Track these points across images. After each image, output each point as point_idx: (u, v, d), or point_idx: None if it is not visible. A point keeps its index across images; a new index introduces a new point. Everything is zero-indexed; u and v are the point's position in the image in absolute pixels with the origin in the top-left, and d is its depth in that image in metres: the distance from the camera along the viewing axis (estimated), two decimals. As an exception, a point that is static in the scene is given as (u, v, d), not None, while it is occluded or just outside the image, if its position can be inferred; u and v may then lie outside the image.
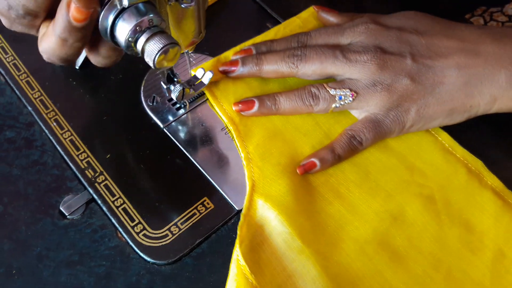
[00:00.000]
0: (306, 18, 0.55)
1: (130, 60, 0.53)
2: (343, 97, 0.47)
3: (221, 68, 0.50)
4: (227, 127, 0.50)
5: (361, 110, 0.48)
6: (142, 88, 0.53)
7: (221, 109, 0.50)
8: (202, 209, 0.46)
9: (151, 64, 0.34)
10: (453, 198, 0.46)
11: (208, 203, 0.46)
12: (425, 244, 0.44)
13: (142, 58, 0.37)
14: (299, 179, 0.46)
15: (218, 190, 0.47)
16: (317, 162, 0.46)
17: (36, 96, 0.51)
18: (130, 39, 0.34)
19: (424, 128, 0.48)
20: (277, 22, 0.58)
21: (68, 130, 0.49)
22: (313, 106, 0.48)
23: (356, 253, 0.43)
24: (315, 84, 0.48)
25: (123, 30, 0.34)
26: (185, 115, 0.51)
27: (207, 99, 0.51)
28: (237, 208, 0.46)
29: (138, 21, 0.33)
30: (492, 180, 0.47)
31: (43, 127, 0.49)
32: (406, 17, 0.50)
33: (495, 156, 0.49)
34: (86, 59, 0.52)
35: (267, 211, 0.44)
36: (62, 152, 0.48)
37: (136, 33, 0.34)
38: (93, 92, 0.52)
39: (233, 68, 0.49)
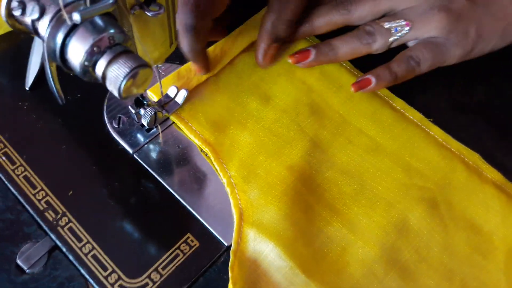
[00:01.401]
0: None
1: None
2: (398, 28, 0.45)
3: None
4: (202, 150, 0.44)
5: (420, 38, 0.46)
6: (104, 108, 0.46)
7: (192, 132, 0.44)
8: (185, 249, 0.40)
9: (115, 93, 0.27)
10: (454, 198, 0.43)
11: (192, 241, 0.40)
12: (433, 254, 0.41)
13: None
14: (291, 199, 0.41)
15: (203, 224, 0.41)
16: (373, 79, 0.45)
17: (-21, 126, 0.44)
18: (86, 63, 0.27)
19: (482, 52, 0.47)
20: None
21: (21, 165, 0.42)
22: (370, 44, 0.45)
23: (366, 277, 0.39)
24: (368, 23, 0.46)
25: (77, 53, 0.27)
26: (157, 136, 0.45)
27: (173, 122, 0.45)
28: (226, 244, 0.40)
29: (96, 40, 0.26)
30: (492, 173, 0.45)
31: (-10, 163, 0.42)
32: None
33: (490, 152, 0.46)
34: (37, 78, 0.45)
35: (260, 244, 0.39)
36: (15, 192, 0.41)
37: (93, 55, 0.27)
38: (47, 116, 0.45)
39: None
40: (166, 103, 0.45)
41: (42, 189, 0.41)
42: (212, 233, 0.40)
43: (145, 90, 0.43)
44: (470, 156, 0.45)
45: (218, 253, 0.40)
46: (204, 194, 0.42)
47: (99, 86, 0.46)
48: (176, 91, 0.45)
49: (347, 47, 0.46)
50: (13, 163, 0.42)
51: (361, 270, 0.39)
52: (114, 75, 0.27)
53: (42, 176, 0.42)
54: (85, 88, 0.46)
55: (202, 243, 0.40)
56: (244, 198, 0.41)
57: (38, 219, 0.40)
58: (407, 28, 0.45)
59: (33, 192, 0.41)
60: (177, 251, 0.40)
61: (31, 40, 0.47)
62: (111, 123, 0.45)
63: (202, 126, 0.44)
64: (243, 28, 0.49)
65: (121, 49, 0.27)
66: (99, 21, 0.27)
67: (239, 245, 0.39)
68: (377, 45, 0.46)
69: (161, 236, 0.40)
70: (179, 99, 0.45)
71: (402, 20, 0.45)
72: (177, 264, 0.39)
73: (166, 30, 0.35)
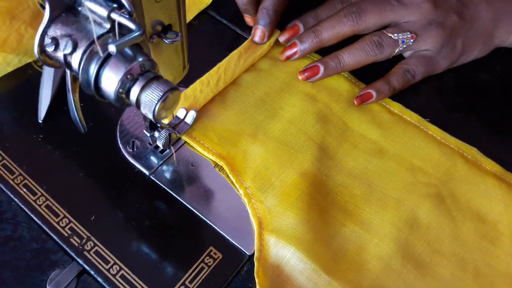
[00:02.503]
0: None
1: (100, 104, 0.47)
2: (405, 40, 0.49)
3: (282, 57, 0.52)
4: (217, 165, 0.46)
5: (417, 50, 0.50)
6: (117, 134, 0.47)
7: (205, 149, 0.46)
8: (210, 261, 0.41)
9: (150, 116, 0.29)
10: (458, 192, 0.45)
11: (215, 253, 0.42)
12: (445, 245, 0.43)
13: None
14: (307, 204, 0.43)
15: (224, 236, 0.42)
16: (374, 93, 0.48)
17: (-3, 161, 0.45)
18: (120, 90, 0.29)
19: (463, 62, 0.53)
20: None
21: (42, 195, 0.43)
22: (378, 54, 0.49)
23: (385, 272, 0.41)
24: (375, 33, 0.49)
25: (111, 81, 0.28)
26: (171, 157, 0.46)
27: (185, 142, 0.47)
28: (247, 253, 0.42)
29: (128, 69, 0.28)
30: (491, 165, 0.47)
31: (12, 196, 0.43)
32: None
33: (485, 146, 0.49)
34: (49, 110, 0.47)
35: (281, 249, 0.41)
36: (39, 222, 0.42)
37: (127, 82, 0.29)
38: (63, 146, 0.46)
39: (294, 50, 0.51)
40: (176, 124, 0.46)
41: (65, 216, 0.42)
42: (234, 244, 0.42)
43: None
44: (468, 151, 0.48)
45: (241, 263, 0.41)
46: (221, 207, 0.44)
47: (110, 113, 0.48)
48: (185, 112, 0.47)
49: (354, 59, 0.49)
50: (34, 194, 0.43)
51: (380, 265, 0.41)
52: (149, 99, 0.29)
53: (64, 204, 0.43)
54: (96, 116, 0.48)
55: (225, 254, 0.42)
56: (261, 208, 0.43)
57: (64, 246, 0.41)
58: (412, 40, 0.49)
59: (56, 220, 0.42)
60: (202, 264, 0.41)
61: (38, 75, 0.48)
62: (125, 148, 0.46)
63: (214, 142, 0.46)
64: (241, 50, 0.51)
65: (152, 75, 0.29)
66: (128, 50, 0.29)
67: (261, 253, 0.41)
68: (383, 56, 0.49)
69: (184, 251, 0.42)
70: (189, 119, 0.47)
71: (408, 32, 0.49)
72: (203, 277, 0.40)
73: (180, 55, 0.37)
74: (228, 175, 0.45)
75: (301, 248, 0.41)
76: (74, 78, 0.33)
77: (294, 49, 0.51)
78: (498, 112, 0.52)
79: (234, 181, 0.44)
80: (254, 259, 0.40)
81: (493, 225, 0.44)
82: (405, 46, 0.49)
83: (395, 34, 0.49)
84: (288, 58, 0.51)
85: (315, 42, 0.50)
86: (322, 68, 0.49)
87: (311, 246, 0.41)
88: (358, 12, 0.49)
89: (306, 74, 0.50)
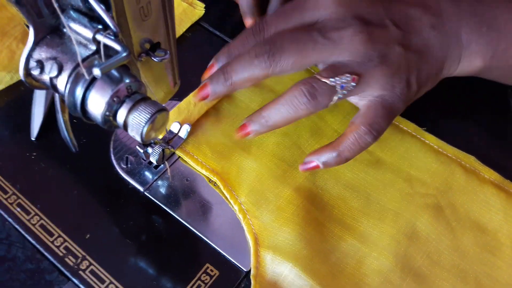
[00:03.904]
0: None
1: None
2: (345, 85, 0.38)
3: (195, 99, 0.41)
4: (211, 181, 0.45)
5: (363, 95, 0.40)
6: (111, 150, 0.47)
7: (198, 164, 0.46)
8: (206, 279, 0.41)
9: (138, 138, 0.29)
10: (457, 201, 0.45)
11: (212, 270, 0.41)
12: (445, 257, 0.42)
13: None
14: (303, 219, 0.43)
15: (220, 253, 0.42)
16: (321, 166, 0.40)
17: (-10, 180, 0.44)
18: (107, 113, 0.28)
19: (418, 97, 0.44)
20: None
21: (36, 214, 0.43)
22: (310, 108, 0.38)
23: (384, 286, 0.40)
24: (305, 79, 0.38)
25: (98, 104, 0.28)
26: (165, 172, 0.46)
27: (179, 157, 0.46)
28: (245, 270, 0.41)
29: (114, 91, 0.28)
30: (489, 173, 0.47)
31: (5, 216, 0.43)
32: None
33: (484, 153, 0.48)
34: (42, 128, 0.46)
35: (278, 266, 0.41)
36: (33, 241, 0.42)
37: (113, 105, 0.28)
38: (56, 164, 0.46)
39: (205, 92, 0.40)
40: (170, 139, 0.46)
41: (59, 236, 0.42)
42: (230, 260, 0.42)
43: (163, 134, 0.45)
44: (466, 159, 0.47)
45: (238, 279, 0.41)
46: (217, 223, 0.43)
47: (103, 129, 0.48)
48: (179, 126, 0.46)
49: (282, 117, 0.38)
50: (27, 213, 0.43)
51: (378, 279, 0.40)
52: (136, 122, 0.28)
53: (58, 222, 0.42)
54: (89, 133, 0.47)
55: (221, 271, 0.41)
56: (257, 223, 0.43)
57: (59, 266, 0.41)
58: (354, 83, 0.38)
59: (51, 239, 0.42)
60: (199, 282, 0.41)
61: (30, 92, 0.48)
62: (119, 164, 0.46)
63: (208, 157, 0.46)
64: None
65: (139, 96, 0.29)
66: (115, 72, 0.28)
67: (258, 270, 0.40)
68: (319, 107, 0.38)
69: (181, 268, 0.41)
70: (182, 133, 0.46)
71: (347, 74, 0.38)
72: (200, 295, 0.40)
73: (170, 71, 0.37)
74: (222, 190, 0.45)
75: (298, 264, 0.40)
76: (62, 99, 0.32)
77: (205, 91, 0.40)
78: (495, 119, 0.51)
79: (228, 196, 0.44)
80: (251, 277, 0.40)
81: (493, 235, 0.43)
82: (345, 92, 0.38)
83: (331, 79, 0.37)
84: (202, 99, 0.40)
85: (226, 86, 0.39)
86: (249, 129, 0.40)
87: (309, 261, 0.40)
88: (271, 52, 0.37)
89: (239, 134, 0.40)
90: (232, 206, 0.44)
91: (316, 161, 0.40)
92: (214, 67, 0.41)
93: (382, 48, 0.39)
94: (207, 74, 0.41)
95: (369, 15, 0.41)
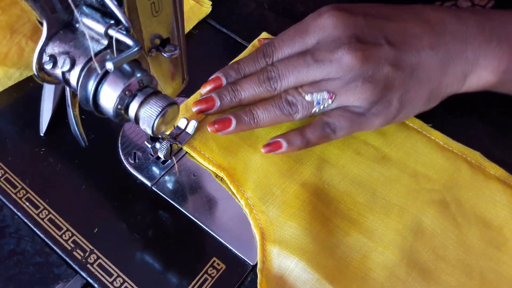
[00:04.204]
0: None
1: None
2: (321, 101, 0.43)
3: (195, 108, 0.45)
4: (217, 176, 0.46)
5: (343, 105, 0.44)
6: (119, 145, 0.47)
7: (205, 159, 0.46)
8: (213, 272, 0.41)
9: (149, 131, 0.29)
10: (463, 197, 0.45)
11: (218, 264, 0.42)
12: (450, 252, 0.42)
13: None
14: (309, 214, 0.43)
15: (227, 247, 0.42)
16: (284, 143, 0.44)
17: (0, 175, 0.45)
18: (119, 106, 0.29)
19: (407, 117, 0.46)
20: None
21: (45, 208, 0.43)
22: (292, 115, 0.44)
23: (389, 280, 0.41)
24: (291, 90, 0.44)
25: (110, 98, 0.28)
26: (172, 167, 0.46)
27: (186, 152, 0.47)
28: (251, 263, 0.42)
29: (126, 85, 0.28)
30: (495, 169, 0.47)
31: (14, 210, 0.43)
32: (365, 5, 0.46)
33: (489, 149, 0.49)
34: (51, 123, 0.47)
35: (284, 260, 0.41)
36: (42, 235, 0.42)
37: (125, 98, 0.29)
38: (65, 159, 0.46)
39: (210, 105, 0.45)
40: (177, 134, 0.46)
41: (68, 230, 0.42)
42: (237, 254, 0.42)
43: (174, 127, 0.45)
44: (472, 155, 0.47)
45: (244, 273, 0.41)
46: (224, 217, 0.44)
47: (112, 125, 0.48)
48: (186, 122, 0.47)
49: (269, 116, 0.44)
50: (36, 207, 0.43)
51: (384, 274, 0.41)
52: (147, 115, 0.29)
53: (67, 217, 0.43)
54: (97, 129, 0.48)
55: (228, 265, 0.42)
56: (263, 218, 0.43)
57: (67, 259, 0.41)
58: (330, 100, 0.43)
59: (59, 233, 0.42)
60: (205, 275, 0.41)
61: (39, 89, 0.48)
62: (127, 159, 0.46)
63: (214, 152, 0.46)
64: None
65: (150, 90, 0.29)
66: (126, 66, 0.29)
67: (264, 264, 0.41)
68: (300, 116, 0.44)
69: (188, 262, 0.42)
70: (190, 129, 0.47)
71: (325, 92, 0.43)
72: (207, 288, 0.41)
73: (179, 67, 0.37)
74: (229, 185, 0.45)
75: (304, 258, 0.40)
76: (74, 94, 0.33)
77: (210, 105, 0.45)
78: (500, 114, 0.52)
79: (235, 191, 0.44)
80: (257, 271, 0.40)
81: (498, 230, 0.43)
82: (322, 107, 0.44)
83: (309, 95, 0.43)
84: (201, 112, 0.46)
85: (234, 101, 0.45)
86: (234, 122, 0.44)
87: (315, 255, 0.41)
88: (275, 78, 0.44)
89: (216, 126, 0.44)
90: (239, 201, 0.44)
91: (281, 138, 0.44)
92: (221, 81, 0.46)
93: (371, 68, 0.42)
94: (209, 85, 0.46)
95: (364, 35, 0.43)
